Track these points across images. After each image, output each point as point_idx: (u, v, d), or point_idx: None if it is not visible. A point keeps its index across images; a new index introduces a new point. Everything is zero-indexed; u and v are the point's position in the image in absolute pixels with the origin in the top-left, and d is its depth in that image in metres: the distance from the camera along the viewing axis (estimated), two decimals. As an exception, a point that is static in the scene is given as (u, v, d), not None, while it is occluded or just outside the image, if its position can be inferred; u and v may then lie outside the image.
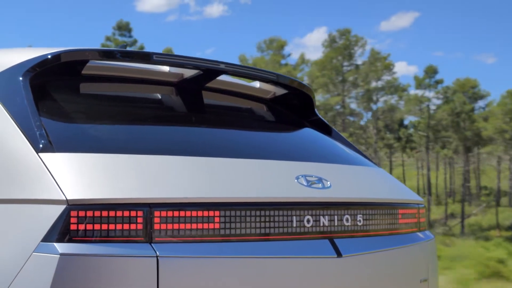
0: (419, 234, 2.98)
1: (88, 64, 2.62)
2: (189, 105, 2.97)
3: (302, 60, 50.24)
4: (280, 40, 49.02)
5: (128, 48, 3.49)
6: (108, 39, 40.33)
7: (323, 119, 3.51)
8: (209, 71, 2.88)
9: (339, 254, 2.41)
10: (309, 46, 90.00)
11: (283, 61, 48.27)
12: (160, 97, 2.99)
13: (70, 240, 1.97)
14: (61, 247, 1.95)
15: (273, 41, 48.91)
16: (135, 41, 41.39)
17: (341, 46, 46.40)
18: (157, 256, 2.02)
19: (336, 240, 2.46)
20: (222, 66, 2.86)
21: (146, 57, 2.69)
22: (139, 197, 2.07)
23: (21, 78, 2.42)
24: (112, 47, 36.72)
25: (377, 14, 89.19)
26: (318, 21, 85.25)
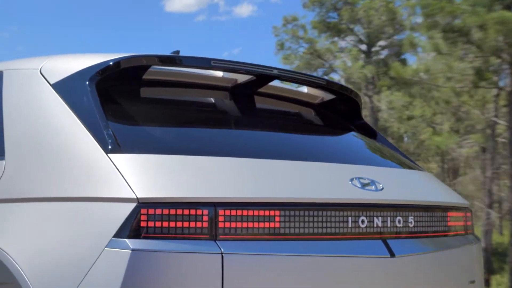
0: (467, 236, 3.03)
1: (149, 70, 2.73)
2: (245, 109, 3.08)
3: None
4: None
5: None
6: None
7: (369, 124, 3.59)
8: (262, 76, 2.98)
9: (392, 255, 2.49)
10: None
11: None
12: (217, 101, 3.10)
13: (140, 237, 2.07)
14: (133, 243, 2.06)
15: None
16: None
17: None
18: (222, 253, 2.11)
19: (389, 241, 2.53)
20: (275, 71, 2.97)
21: (205, 62, 2.79)
22: (205, 196, 2.17)
23: (87, 83, 2.53)
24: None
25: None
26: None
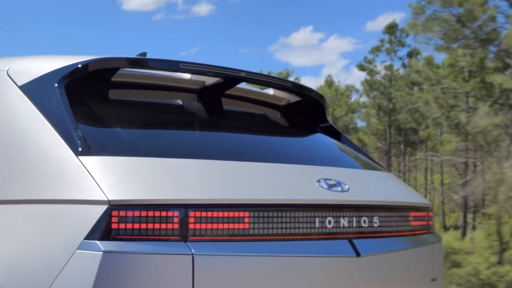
0: (429, 235, 3.12)
1: (118, 72, 2.74)
2: (213, 111, 3.12)
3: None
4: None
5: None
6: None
7: (334, 125, 3.66)
8: (230, 78, 3.02)
9: (358, 254, 2.55)
10: (294, 46, 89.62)
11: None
12: (186, 103, 3.13)
13: (111, 238, 2.09)
14: (104, 245, 2.07)
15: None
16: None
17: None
18: (192, 254, 2.14)
19: (354, 241, 2.59)
20: (243, 74, 3.01)
21: (173, 65, 2.82)
22: (175, 198, 2.20)
23: (56, 85, 2.53)
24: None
25: (363, 14, 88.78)
26: (304, 20, 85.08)
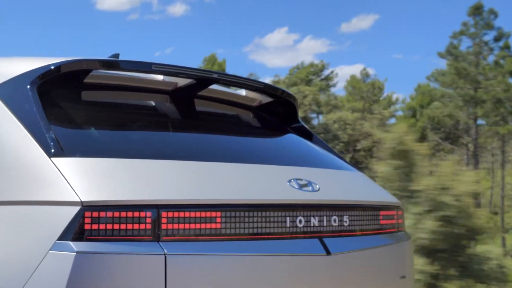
0: (398, 234, 3.19)
1: (90, 73, 2.76)
2: (186, 112, 3.15)
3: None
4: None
5: None
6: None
7: (305, 126, 3.71)
8: (202, 80, 3.05)
9: (328, 252, 2.60)
10: (269, 47, 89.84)
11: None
12: (159, 104, 3.16)
13: (84, 239, 2.12)
14: (77, 246, 2.09)
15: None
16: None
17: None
18: (165, 254, 2.17)
19: (325, 239, 2.64)
20: (215, 75, 3.05)
21: (145, 66, 2.84)
22: (148, 199, 2.23)
23: (28, 87, 2.55)
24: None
25: (338, 16, 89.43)
26: (279, 21, 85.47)
